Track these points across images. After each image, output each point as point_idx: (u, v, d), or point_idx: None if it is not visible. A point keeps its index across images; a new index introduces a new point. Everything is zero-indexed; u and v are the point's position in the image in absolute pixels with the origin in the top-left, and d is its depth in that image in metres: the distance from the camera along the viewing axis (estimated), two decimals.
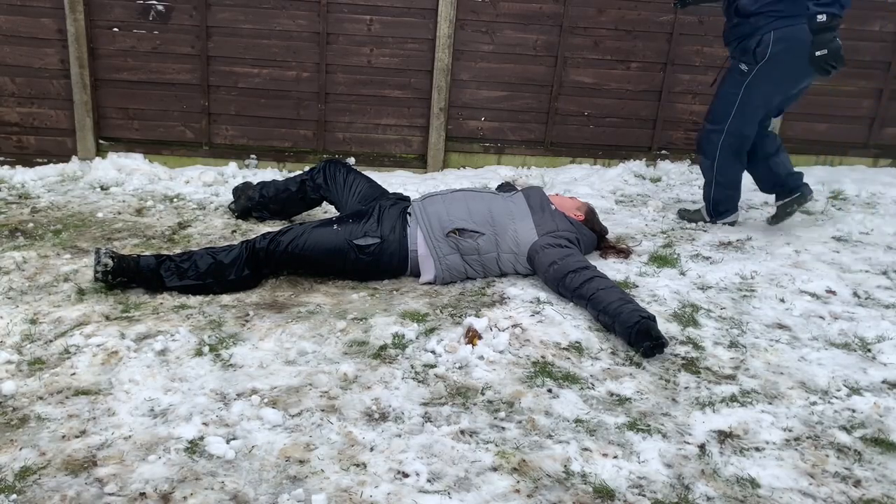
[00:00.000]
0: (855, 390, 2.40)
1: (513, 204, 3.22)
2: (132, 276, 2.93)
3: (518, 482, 1.90)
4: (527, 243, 3.09)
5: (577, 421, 2.18)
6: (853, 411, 2.29)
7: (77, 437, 2.01)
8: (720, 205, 4.01)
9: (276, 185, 3.85)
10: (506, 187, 3.83)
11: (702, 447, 2.09)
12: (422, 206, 3.19)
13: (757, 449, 2.09)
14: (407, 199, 3.40)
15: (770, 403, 2.32)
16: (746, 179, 3.99)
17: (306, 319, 2.74)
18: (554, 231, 3.13)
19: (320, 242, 3.06)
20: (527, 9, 4.97)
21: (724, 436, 2.15)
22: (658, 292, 3.05)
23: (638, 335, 2.57)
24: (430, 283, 3.14)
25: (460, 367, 2.45)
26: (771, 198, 4.03)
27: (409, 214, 3.19)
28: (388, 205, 3.25)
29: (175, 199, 4.25)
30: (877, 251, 3.66)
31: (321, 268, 3.14)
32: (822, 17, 3.28)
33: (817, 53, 3.34)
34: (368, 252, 3.08)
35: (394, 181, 4.56)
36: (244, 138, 5.08)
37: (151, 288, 2.95)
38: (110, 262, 2.89)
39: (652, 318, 2.63)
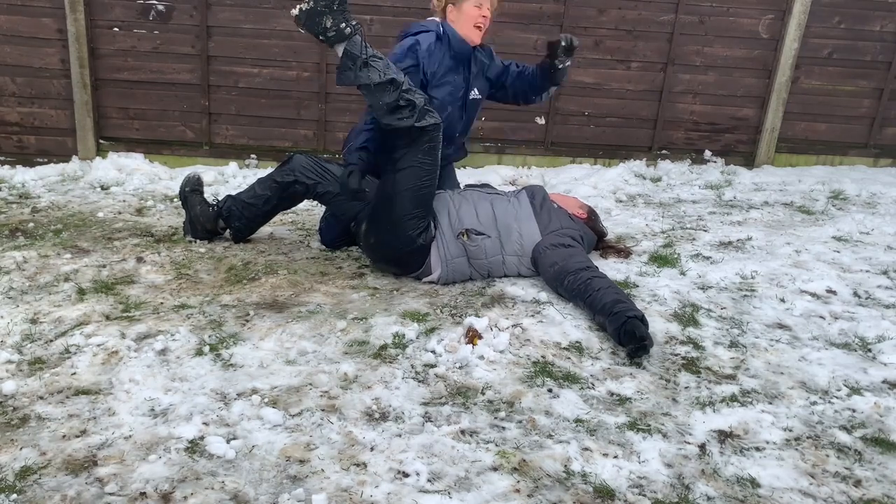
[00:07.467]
0: (855, 390, 2.40)
1: (518, 203, 3.20)
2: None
3: (518, 482, 1.90)
4: (531, 244, 3.08)
5: (578, 421, 2.18)
6: (853, 411, 2.28)
7: (77, 436, 2.01)
8: None
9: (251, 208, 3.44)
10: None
11: (702, 447, 2.09)
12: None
13: (757, 449, 2.09)
14: None
15: (770, 403, 2.32)
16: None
17: (306, 319, 2.74)
18: (557, 230, 3.12)
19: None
20: (527, 9, 4.97)
21: (724, 436, 2.15)
22: (658, 292, 3.05)
23: (625, 336, 2.55)
24: (432, 283, 3.14)
25: (460, 367, 2.44)
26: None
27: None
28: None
29: (175, 199, 4.24)
30: (877, 251, 3.66)
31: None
32: None
33: None
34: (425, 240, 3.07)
35: None
36: (244, 138, 5.08)
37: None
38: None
39: (639, 318, 2.59)
